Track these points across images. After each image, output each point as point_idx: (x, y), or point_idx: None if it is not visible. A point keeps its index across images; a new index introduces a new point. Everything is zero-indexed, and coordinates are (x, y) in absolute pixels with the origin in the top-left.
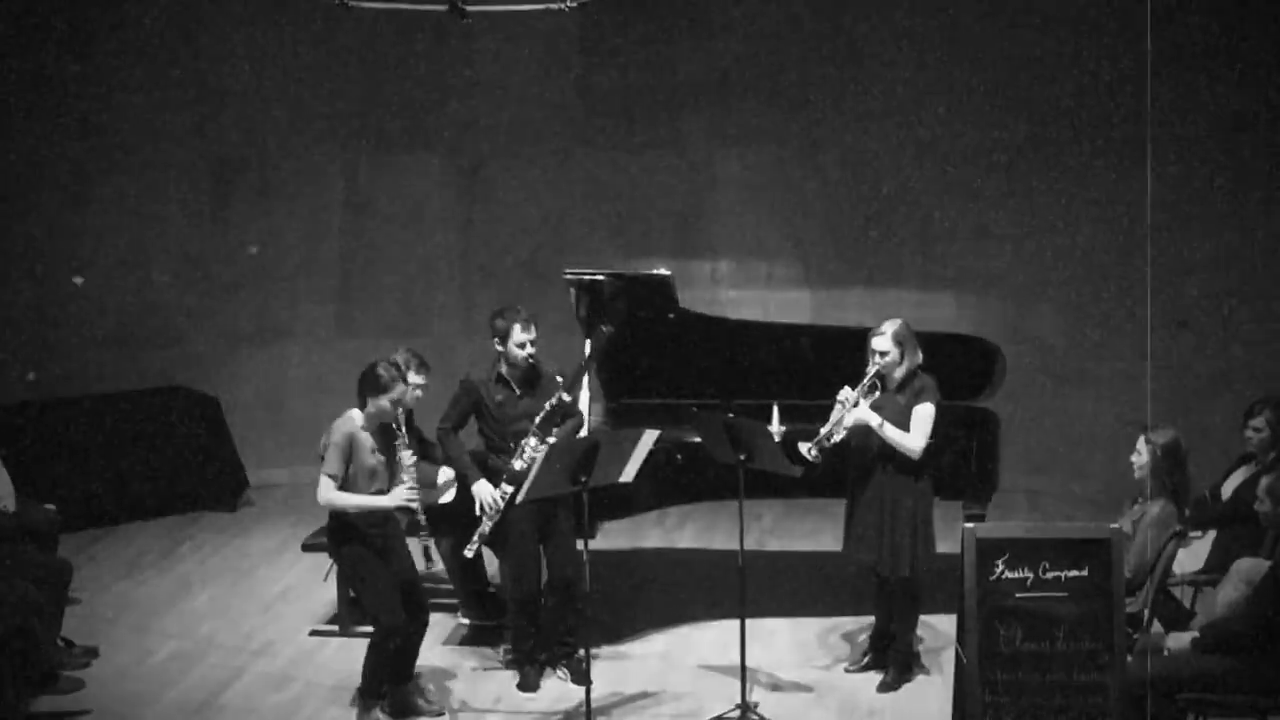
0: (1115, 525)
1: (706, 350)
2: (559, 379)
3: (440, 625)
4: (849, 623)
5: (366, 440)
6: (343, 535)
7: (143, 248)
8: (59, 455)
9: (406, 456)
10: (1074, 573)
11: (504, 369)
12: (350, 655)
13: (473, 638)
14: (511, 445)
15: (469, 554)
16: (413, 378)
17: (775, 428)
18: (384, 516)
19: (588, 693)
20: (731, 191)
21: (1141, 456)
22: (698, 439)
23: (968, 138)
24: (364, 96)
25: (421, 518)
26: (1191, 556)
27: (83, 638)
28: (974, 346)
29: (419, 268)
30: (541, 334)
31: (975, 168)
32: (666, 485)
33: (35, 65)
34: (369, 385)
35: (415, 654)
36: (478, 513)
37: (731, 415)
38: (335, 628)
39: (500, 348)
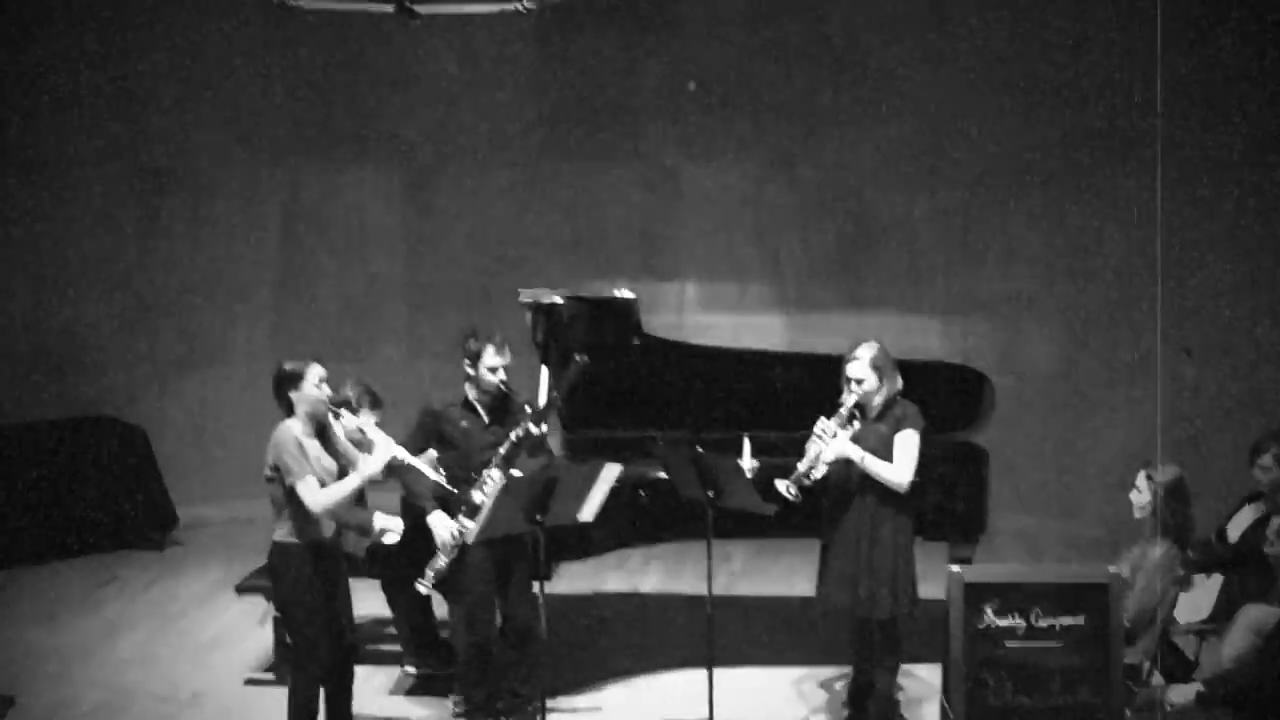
0: (1113, 569)
1: (672, 378)
2: (528, 409)
3: (385, 675)
4: (826, 672)
5: (313, 446)
6: (285, 566)
7: (64, 268)
8: None
9: (364, 418)
10: (1069, 620)
11: (473, 394)
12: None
13: (421, 687)
14: (474, 476)
15: (423, 589)
16: (364, 415)
17: (747, 462)
18: (331, 549)
19: None
20: (700, 207)
21: (1142, 495)
22: (662, 474)
23: (957, 154)
24: (304, 104)
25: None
26: (1194, 603)
27: None
28: (959, 375)
29: (363, 287)
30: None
31: (964, 187)
32: (628, 524)
33: None
34: (282, 384)
35: (348, 703)
36: (436, 546)
37: (699, 449)
38: (271, 675)
39: (471, 371)
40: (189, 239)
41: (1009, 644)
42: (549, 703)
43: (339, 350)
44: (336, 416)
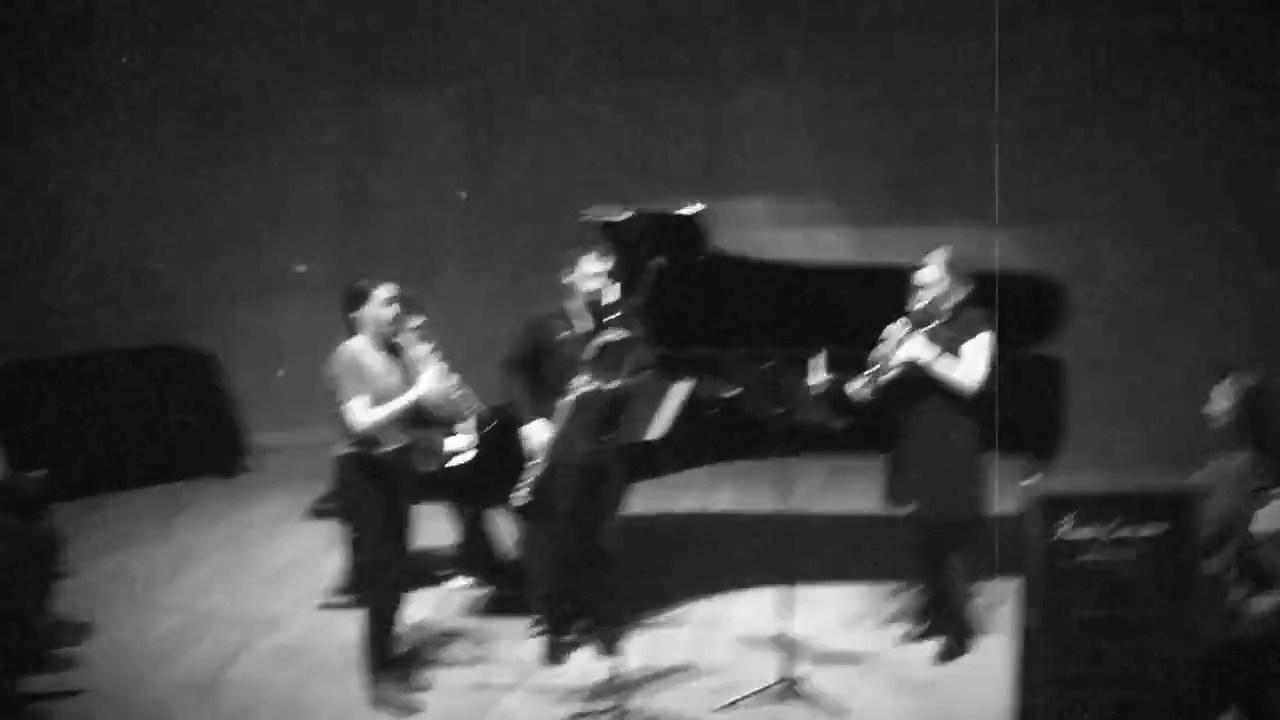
0: (1193, 479)
1: (743, 295)
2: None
3: (461, 595)
4: (900, 588)
5: (376, 361)
6: (348, 478)
7: (132, 200)
8: (45, 419)
9: (421, 349)
10: (1149, 532)
11: (571, 305)
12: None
13: (496, 608)
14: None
15: (518, 502)
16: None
17: (821, 377)
18: (394, 464)
19: (616, 666)
20: (767, 124)
21: (1221, 404)
22: (732, 392)
23: (1029, 65)
24: (365, 31)
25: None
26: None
27: (75, 614)
28: (1034, 285)
29: (427, 211)
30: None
31: (1036, 97)
32: (699, 442)
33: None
34: (349, 303)
35: (400, 624)
36: (526, 457)
37: (769, 364)
38: (345, 599)
39: (568, 280)
40: (254, 168)
41: (1087, 557)
42: (626, 622)
43: (404, 274)
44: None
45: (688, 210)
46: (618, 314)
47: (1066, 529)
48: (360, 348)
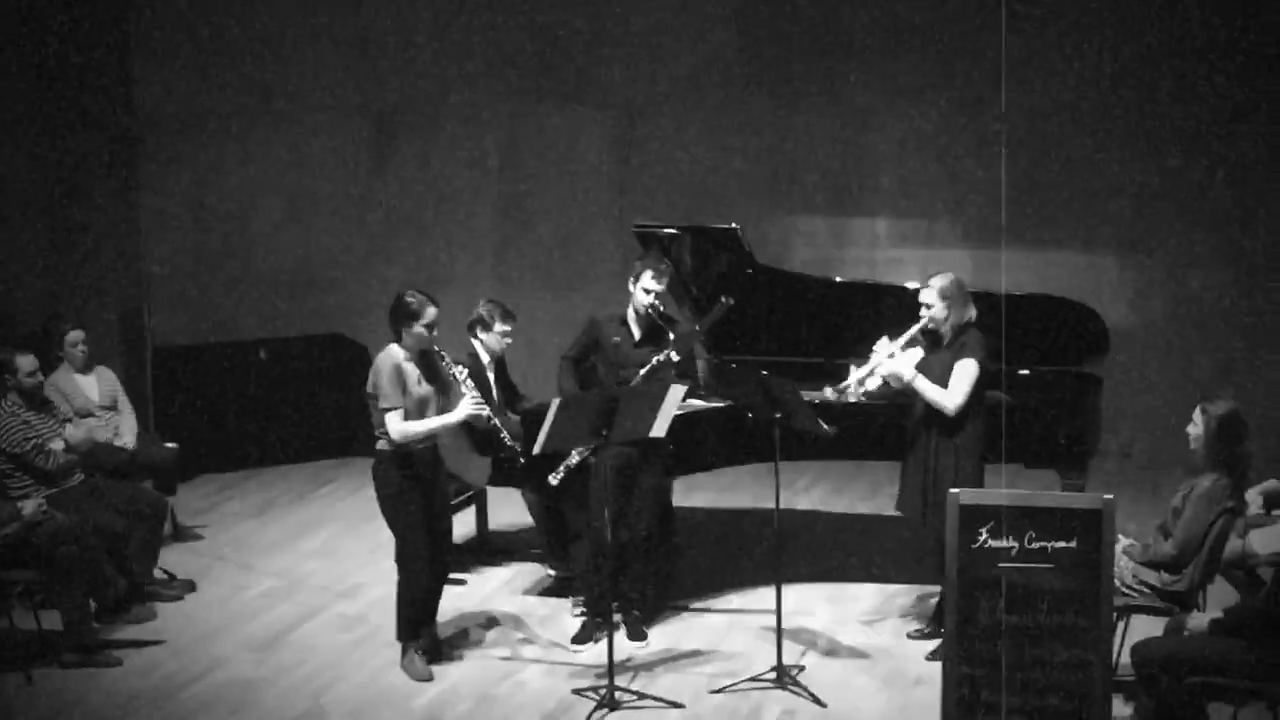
0: (1109, 496)
1: (788, 307)
2: (672, 337)
3: (527, 575)
4: (935, 588)
5: (412, 371)
6: (384, 473)
7: (305, 201)
8: (216, 398)
9: (458, 371)
10: (1062, 543)
11: (630, 312)
12: None
13: (555, 589)
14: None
15: (554, 480)
16: (499, 326)
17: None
18: (426, 460)
19: (610, 648)
20: (891, 146)
21: (1196, 428)
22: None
23: (1140, 100)
24: (521, 47)
25: (495, 420)
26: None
27: (190, 572)
28: (1076, 311)
29: (577, 220)
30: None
31: (1143, 132)
32: (735, 444)
33: (199, 13)
34: (400, 315)
35: (438, 600)
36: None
37: (765, 372)
38: None
39: (631, 288)
40: (415, 173)
41: (1002, 564)
42: (666, 608)
43: (551, 280)
44: (442, 359)
45: (723, 226)
46: (671, 336)
47: (983, 538)
48: (402, 356)
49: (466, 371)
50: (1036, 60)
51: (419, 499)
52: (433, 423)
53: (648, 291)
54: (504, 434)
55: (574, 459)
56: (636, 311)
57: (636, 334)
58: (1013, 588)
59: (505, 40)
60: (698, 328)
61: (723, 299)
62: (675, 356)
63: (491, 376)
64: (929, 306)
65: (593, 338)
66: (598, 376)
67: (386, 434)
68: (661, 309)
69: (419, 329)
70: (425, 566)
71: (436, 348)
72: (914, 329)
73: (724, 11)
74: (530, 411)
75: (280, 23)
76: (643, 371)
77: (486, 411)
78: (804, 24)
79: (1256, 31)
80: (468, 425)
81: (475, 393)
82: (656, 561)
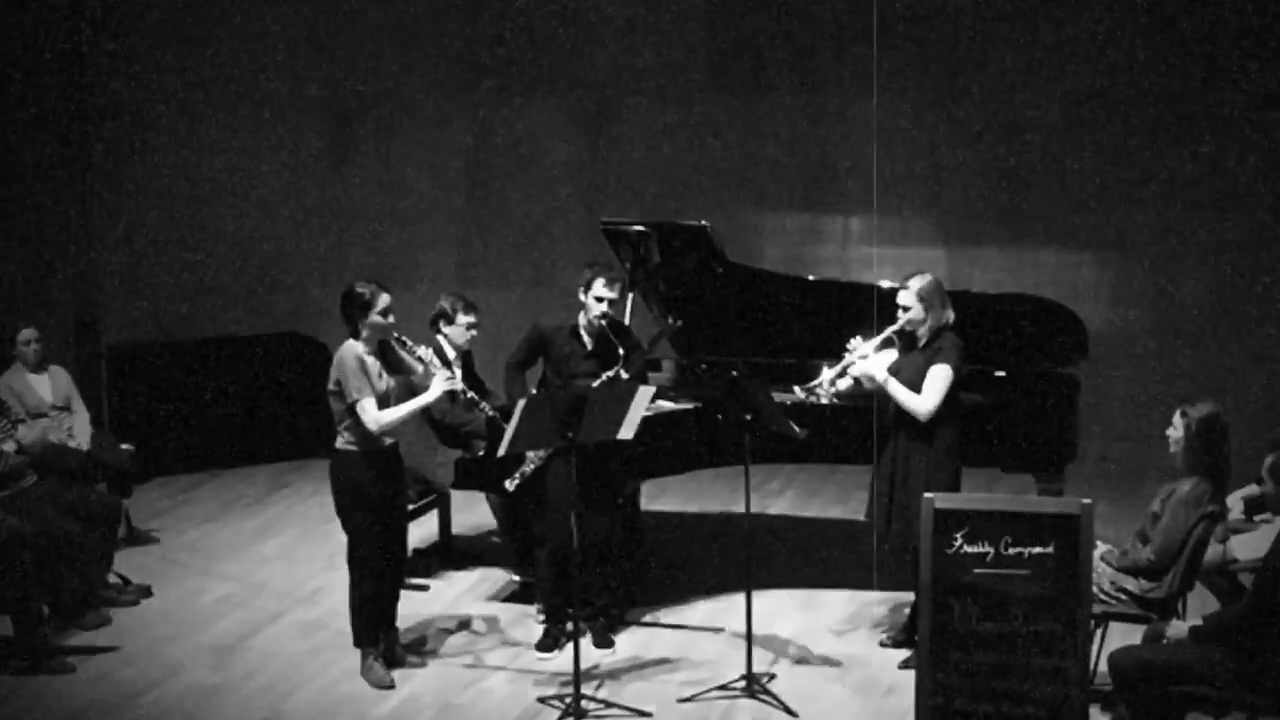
0: (1087, 501)
1: (759, 306)
2: (621, 354)
3: (493, 581)
4: (908, 596)
5: (373, 365)
6: (343, 472)
7: (264, 197)
8: (169, 398)
9: (424, 352)
10: (1038, 549)
11: (581, 321)
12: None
13: (520, 595)
14: None
15: (509, 487)
16: (462, 318)
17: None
18: (388, 459)
19: (576, 656)
20: (864, 142)
21: (1176, 431)
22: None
23: (1120, 93)
24: (485, 40)
25: (471, 393)
26: (1260, 541)
27: (145, 577)
28: (1054, 312)
29: (543, 215)
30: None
31: (1122, 127)
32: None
33: (152, 6)
34: (353, 307)
35: (395, 605)
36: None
37: (735, 374)
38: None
39: (582, 297)
40: (378, 169)
41: (977, 570)
42: (634, 614)
43: (519, 274)
44: (402, 345)
45: (692, 223)
46: (621, 351)
47: (958, 543)
48: (361, 350)
49: (432, 350)
50: (1068, 47)
51: (377, 500)
52: (409, 406)
53: (600, 300)
54: (483, 404)
55: (529, 466)
56: (588, 320)
57: (588, 344)
58: (988, 594)
59: (471, 31)
60: (645, 347)
61: (670, 319)
62: (624, 375)
63: (458, 372)
64: (906, 309)
65: (535, 344)
66: (548, 382)
67: (350, 431)
68: (614, 317)
69: (375, 317)
70: (379, 569)
71: (397, 334)
72: (889, 330)
73: (696, 5)
74: (498, 409)
75: (237, 17)
76: (595, 385)
77: (461, 385)
78: (776, 17)
79: None
80: (434, 422)
81: (445, 370)
82: (619, 567)
